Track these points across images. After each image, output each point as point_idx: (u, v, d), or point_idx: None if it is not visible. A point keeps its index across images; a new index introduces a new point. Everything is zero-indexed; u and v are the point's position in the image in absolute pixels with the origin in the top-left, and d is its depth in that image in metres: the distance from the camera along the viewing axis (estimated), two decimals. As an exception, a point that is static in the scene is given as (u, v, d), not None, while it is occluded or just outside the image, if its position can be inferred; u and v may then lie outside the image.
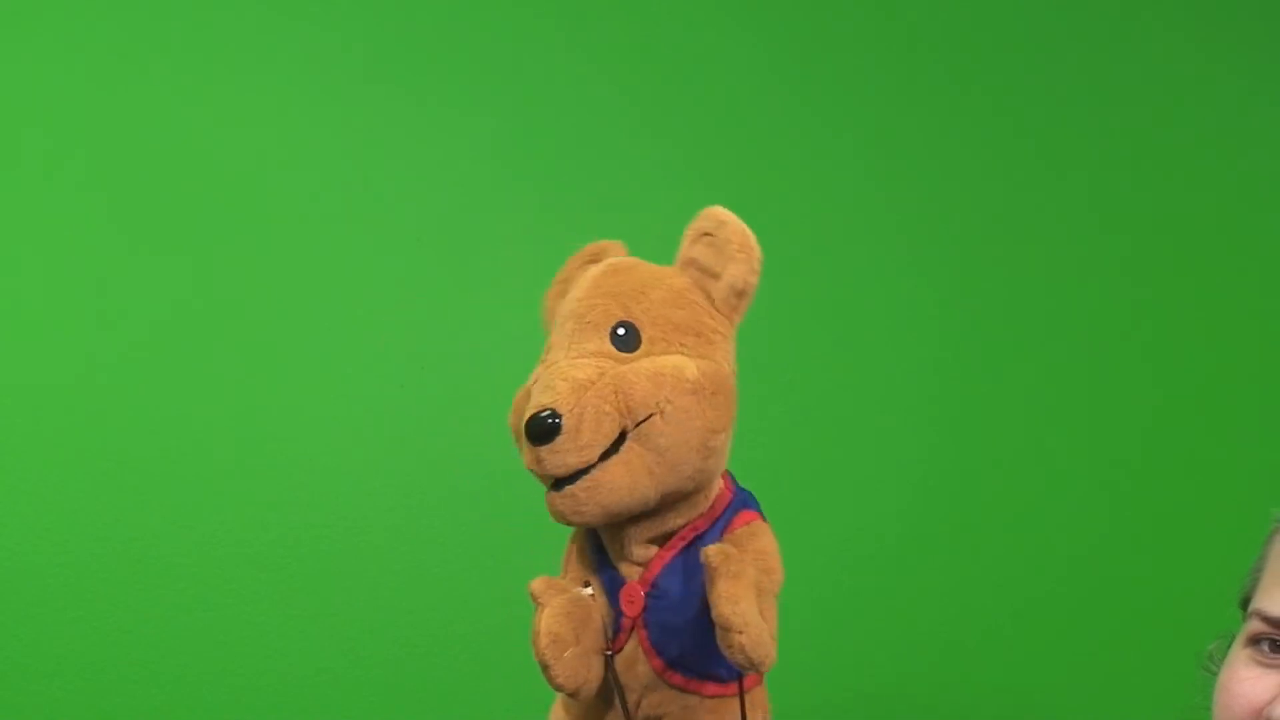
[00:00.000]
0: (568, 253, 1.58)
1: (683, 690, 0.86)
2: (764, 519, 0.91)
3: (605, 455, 0.81)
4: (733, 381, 0.88)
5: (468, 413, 1.51)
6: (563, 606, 0.85)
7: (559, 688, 0.85)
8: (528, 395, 0.86)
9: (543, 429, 0.79)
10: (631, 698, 0.88)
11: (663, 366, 0.83)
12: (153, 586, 1.41)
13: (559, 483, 0.82)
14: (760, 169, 1.71)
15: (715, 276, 0.88)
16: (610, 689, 0.88)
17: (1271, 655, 0.83)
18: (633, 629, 0.87)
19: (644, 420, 0.81)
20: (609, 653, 0.87)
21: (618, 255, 0.97)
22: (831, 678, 1.63)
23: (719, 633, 0.78)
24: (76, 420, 1.40)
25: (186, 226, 1.47)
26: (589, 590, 0.89)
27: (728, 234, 0.88)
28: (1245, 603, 0.88)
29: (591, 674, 0.86)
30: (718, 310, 0.88)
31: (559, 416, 0.79)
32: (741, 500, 0.90)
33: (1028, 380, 1.78)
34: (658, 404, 0.81)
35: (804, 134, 1.73)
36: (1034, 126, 1.84)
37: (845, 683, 1.64)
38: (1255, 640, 0.84)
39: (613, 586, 0.89)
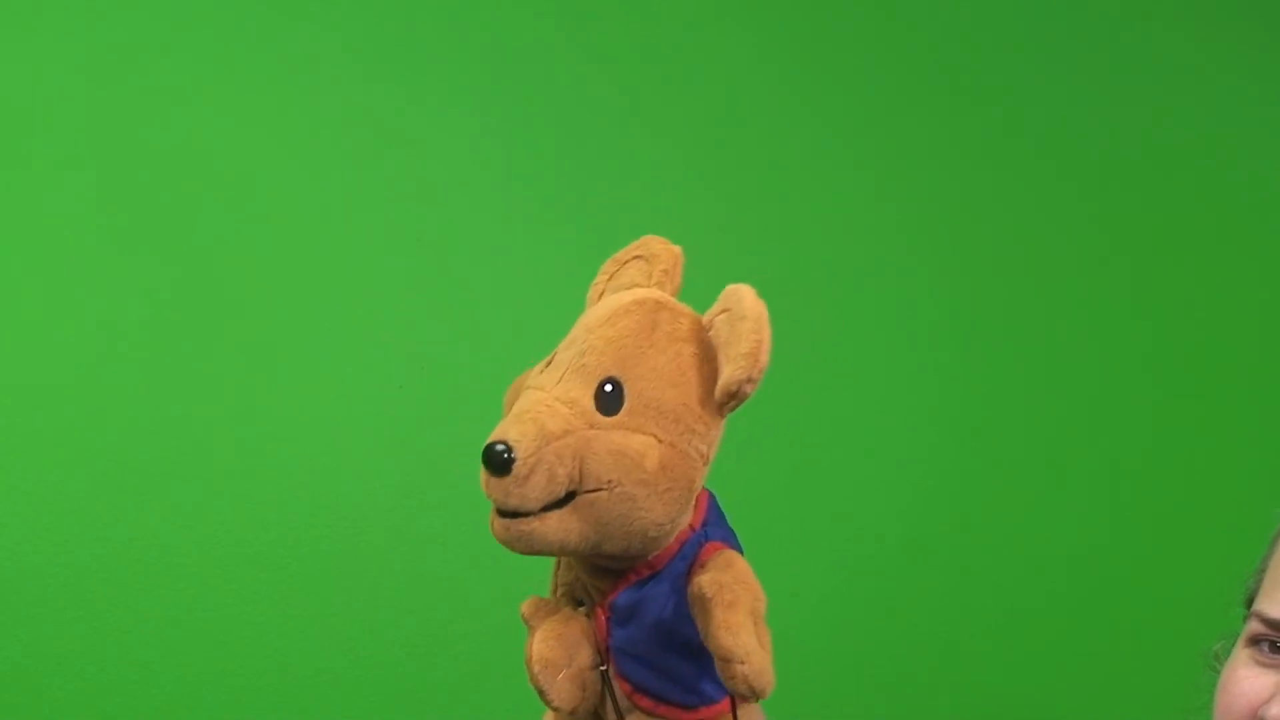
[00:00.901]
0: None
1: (652, 715, 0.86)
2: (731, 547, 0.88)
3: (549, 506, 0.80)
4: (697, 473, 0.84)
5: (468, 413, 1.51)
6: (553, 629, 0.85)
7: (556, 709, 0.85)
8: (518, 392, 0.85)
9: (497, 461, 0.79)
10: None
11: (628, 447, 0.80)
12: (153, 586, 1.41)
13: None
14: (760, 169, 1.71)
15: (720, 362, 0.83)
16: (601, 705, 0.88)
17: (1271, 655, 0.83)
18: (606, 650, 0.87)
19: (592, 491, 0.80)
20: (603, 668, 0.87)
21: (666, 264, 0.91)
22: (831, 678, 1.63)
23: (719, 664, 0.77)
24: (76, 420, 1.40)
25: (186, 226, 1.47)
26: (583, 607, 0.89)
27: (744, 331, 0.80)
28: (1250, 602, 0.88)
29: (587, 691, 0.86)
30: (711, 397, 0.83)
31: (513, 456, 0.78)
32: (704, 535, 0.87)
33: (1028, 381, 1.78)
34: (609, 482, 0.80)
35: (804, 134, 1.73)
36: (1034, 127, 1.84)
37: (845, 683, 1.64)
38: (1255, 641, 0.84)
39: (591, 604, 0.89)
